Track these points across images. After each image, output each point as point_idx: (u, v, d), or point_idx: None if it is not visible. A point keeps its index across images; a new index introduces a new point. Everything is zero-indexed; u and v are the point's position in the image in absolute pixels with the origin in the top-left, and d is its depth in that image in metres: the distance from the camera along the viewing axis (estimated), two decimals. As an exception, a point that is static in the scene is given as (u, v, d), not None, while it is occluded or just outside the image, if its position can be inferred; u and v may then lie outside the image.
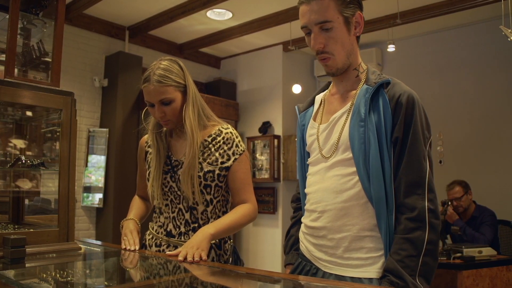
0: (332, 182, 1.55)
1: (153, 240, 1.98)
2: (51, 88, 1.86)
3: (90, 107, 5.56)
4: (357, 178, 1.49)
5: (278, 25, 5.54)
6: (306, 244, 1.66)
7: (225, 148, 1.93)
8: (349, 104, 1.57)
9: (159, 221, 2.00)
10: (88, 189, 5.44)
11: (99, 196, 5.39)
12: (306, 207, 1.68)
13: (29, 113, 2.14)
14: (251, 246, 6.49)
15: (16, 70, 1.85)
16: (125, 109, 5.54)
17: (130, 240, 1.89)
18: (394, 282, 1.37)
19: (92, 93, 5.59)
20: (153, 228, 2.03)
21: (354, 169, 1.50)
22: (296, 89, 6.17)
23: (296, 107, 1.86)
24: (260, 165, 6.42)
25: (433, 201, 1.45)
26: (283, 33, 5.84)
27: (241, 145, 1.96)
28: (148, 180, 1.99)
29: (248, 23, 5.70)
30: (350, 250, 1.50)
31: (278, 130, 6.38)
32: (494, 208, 4.39)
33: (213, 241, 1.90)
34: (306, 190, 1.68)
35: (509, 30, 3.78)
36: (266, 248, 6.31)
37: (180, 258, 1.62)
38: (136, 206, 2.14)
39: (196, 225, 1.91)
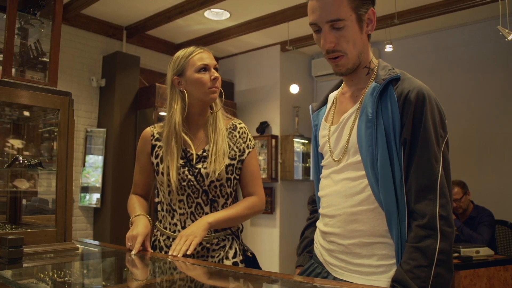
0: (342, 185, 1.49)
1: (170, 240, 1.94)
2: (49, 88, 1.86)
3: (87, 107, 5.55)
4: (366, 182, 1.42)
5: (276, 25, 5.54)
6: (319, 248, 1.62)
7: (241, 141, 2.00)
8: (357, 104, 1.49)
9: (174, 218, 1.95)
10: (85, 189, 5.43)
11: (96, 196, 5.39)
12: (320, 210, 1.63)
13: (26, 113, 2.13)
14: (249, 246, 6.48)
15: (13, 70, 1.85)
16: (123, 109, 5.53)
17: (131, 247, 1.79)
18: None
19: (89, 93, 5.58)
20: (165, 228, 1.97)
21: (363, 172, 1.43)
22: (294, 89, 6.17)
23: (310, 106, 1.80)
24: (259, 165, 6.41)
25: (445, 207, 1.34)
26: (280, 33, 5.84)
27: (252, 139, 2.04)
28: (163, 174, 1.92)
29: (246, 23, 5.70)
30: (361, 256, 1.43)
31: (275, 130, 6.38)
32: (491, 208, 4.40)
33: (233, 229, 1.98)
34: (319, 194, 1.63)
35: (507, 30, 3.79)
36: (263, 248, 6.31)
37: (175, 253, 1.69)
38: (139, 203, 2.02)
39: None
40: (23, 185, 2.07)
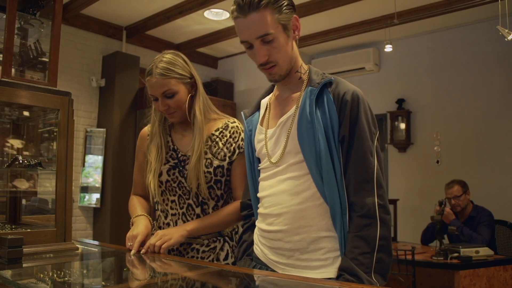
0: (287, 184, 1.53)
1: None
2: (48, 88, 1.86)
3: (87, 107, 5.55)
4: (310, 179, 1.49)
5: (276, 25, 5.53)
6: (261, 248, 1.63)
7: (232, 141, 1.95)
8: (293, 108, 1.56)
9: (167, 218, 1.97)
10: (85, 189, 5.43)
11: (96, 196, 5.39)
12: (259, 211, 1.64)
13: (26, 113, 2.13)
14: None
15: (13, 70, 1.85)
16: (122, 109, 5.54)
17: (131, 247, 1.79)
18: (350, 280, 1.36)
19: (89, 93, 5.59)
20: (160, 227, 1.99)
21: (307, 171, 1.49)
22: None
23: (242, 113, 1.83)
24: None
25: (383, 196, 1.45)
26: (280, 33, 5.83)
27: None
28: (146, 174, 1.96)
29: (246, 23, 5.69)
30: (308, 251, 1.48)
31: (275, 130, 6.36)
32: (491, 208, 4.40)
33: (225, 233, 1.94)
34: (259, 195, 1.65)
35: (506, 30, 3.79)
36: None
37: (143, 251, 1.71)
38: (139, 204, 2.03)
39: None
40: (22, 185, 2.07)
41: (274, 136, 1.59)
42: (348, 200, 1.46)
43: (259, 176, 1.67)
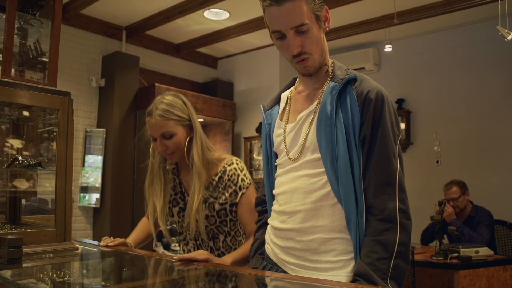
0: (301, 182, 1.49)
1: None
2: (48, 88, 1.86)
3: (87, 107, 5.55)
4: (326, 178, 1.44)
5: (275, 25, 5.53)
6: (272, 247, 1.60)
7: (232, 185, 1.98)
8: (315, 103, 1.52)
9: (189, 245, 2.09)
10: (85, 189, 5.43)
11: (96, 196, 5.38)
12: (273, 208, 1.62)
13: (26, 113, 2.13)
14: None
15: (13, 70, 1.85)
16: (122, 109, 5.53)
17: (107, 240, 2.00)
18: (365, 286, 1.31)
19: (89, 93, 5.58)
20: (184, 251, 2.11)
21: (323, 169, 1.44)
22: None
23: (261, 106, 1.78)
24: (257, 165, 6.43)
25: (404, 201, 1.40)
26: (280, 33, 5.83)
27: (246, 179, 2.01)
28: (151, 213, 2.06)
29: (245, 23, 5.70)
30: (319, 252, 1.44)
31: (275, 130, 6.36)
32: (491, 208, 4.40)
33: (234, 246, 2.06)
34: (274, 191, 1.62)
35: (506, 30, 3.79)
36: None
37: (175, 257, 1.66)
38: (139, 229, 2.19)
39: (219, 252, 2.02)
40: (22, 185, 2.07)
41: (293, 131, 1.55)
42: (366, 203, 1.41)
43: (275, 172, 1.64)
